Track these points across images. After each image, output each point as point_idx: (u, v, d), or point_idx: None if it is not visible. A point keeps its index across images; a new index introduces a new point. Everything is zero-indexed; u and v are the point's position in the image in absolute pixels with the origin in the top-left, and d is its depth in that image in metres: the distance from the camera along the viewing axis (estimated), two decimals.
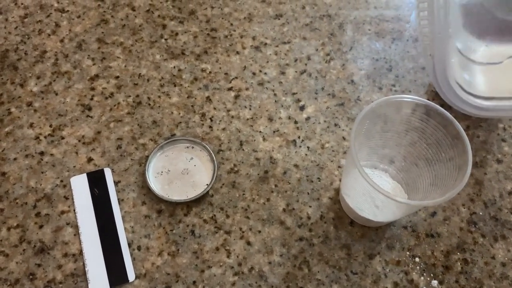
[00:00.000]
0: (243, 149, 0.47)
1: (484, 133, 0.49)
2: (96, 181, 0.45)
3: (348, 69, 0.52)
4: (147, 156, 0.46)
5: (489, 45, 0.35)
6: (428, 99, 0.37)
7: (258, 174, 0.46)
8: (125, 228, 0.43)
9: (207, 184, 0.45)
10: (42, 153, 0.46)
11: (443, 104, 0.37)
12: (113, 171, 0.45)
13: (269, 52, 0.53)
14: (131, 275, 0.41)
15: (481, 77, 0.35)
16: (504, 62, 0.35)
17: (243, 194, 0.45)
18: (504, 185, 0.46)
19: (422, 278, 0.42)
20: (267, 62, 0.53)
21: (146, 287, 0.40)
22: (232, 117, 0.49)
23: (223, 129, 0.48)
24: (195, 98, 0.50)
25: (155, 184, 0.45)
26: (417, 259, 0.42)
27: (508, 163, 0.47)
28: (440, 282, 0.41)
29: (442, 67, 0.32)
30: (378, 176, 0.45)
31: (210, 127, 0.48)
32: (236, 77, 0.51)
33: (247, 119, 0.49)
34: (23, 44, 0.52)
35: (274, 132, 0.48)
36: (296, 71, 0.52)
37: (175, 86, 0.50)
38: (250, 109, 0.49)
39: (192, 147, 0.47)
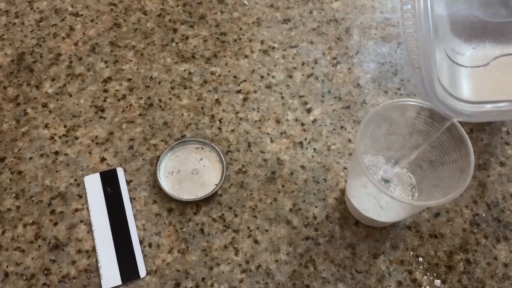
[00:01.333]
0: (251, 150, 0.48)
1: (488, 136, 0.50)
2: (109, 180, 0.46)
3: (354, 73, 0.54)
4: (158, 157, 0.47)
5: (476, 48, 0.36)
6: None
7: (266, 175, 0.47)
8: (136, 226, 0.44)
9: (216, 184, 0.46)
10: (56, 153, 0.47)
11: None
12: (125, 170, 0.47)
13: (277, 55, 0.55)
14: (142, 271, 0.42)
15: (470, 81, 0.36)
16: (491, 64, 0.36)
17: (251, 194, 0.46)
18: (507, 187, 0.47)
19: (425, 277, 0.43)
20: (275, 65, 0.54)
21: (156, 283, 0.42)
22: (241, 119, 0.50)
23: (232, 130, 0.49)
24: (205, 101, 0.51)
25: (166, 184, 0.46)
26: (420, 259, 0.43)
27: (511, 166, 0.48)
28: (443, 282, 0.42)
29: (430, 80, 0.33)
30: None
31: (219, 128, 0.49)
32: (245, 80, 0.53)
33: (255, 121, 0.50)
34: (39, 47, 0.54)
35: (281, 134, 0.49)
36: (303, 75, 0.53)
37: (185, 88, 0.52)
38: (258, 111, 0.51)
39: (202, 148, 0.48)
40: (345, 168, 0.48)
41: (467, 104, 0.36)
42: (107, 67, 0.53)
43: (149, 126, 0.49)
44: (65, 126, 0.49)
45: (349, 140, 0.49)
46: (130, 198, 0.45)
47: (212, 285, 0.42)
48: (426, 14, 0.31)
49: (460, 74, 0.36)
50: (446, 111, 0.35)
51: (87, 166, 0.47)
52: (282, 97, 0.52)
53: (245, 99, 0.51)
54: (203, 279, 0.42)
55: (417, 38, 0.32)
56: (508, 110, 0.35)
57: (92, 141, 0.48)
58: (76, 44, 0.54)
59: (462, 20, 0.35)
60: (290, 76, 0.53)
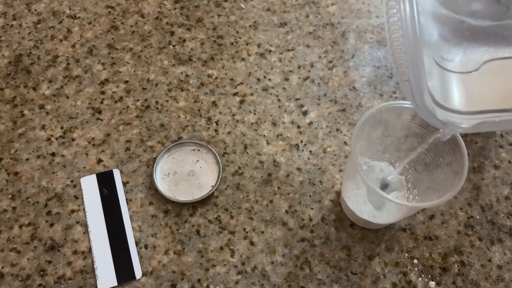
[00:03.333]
0: (247, 152, 0.49)
1: (482, 140, 0.50)
2: (105, 182, 0.46)
3: (350, 76, 0.54)
4: (155, 158, 0.47)
5: (465, 52, 0.35)
6: None
7: (262, 177, 0.47)
8: (132, 227, 0.44)
9: (212, 186, 0.46)
10: (53, 154, 0.48)
11: None
12: (121, 172, 0.47)
13: (273, 59, 0.55)
14: (138, 273, 0.42)
15: (461, 88, 0.36)
16: (481, 69, 0.35)
17: (247, 195, 0.46)
18: (501, 190, 0.47)
19: (420, 279, 0.43)
20: (272, 68, 0.54)
21: (152, 284, 0.42)
22: (237, 121, 0.50)
23: (228, 132, 0.50)
24: (202, 103, 0.51)
25: (162, 185, 0.46)
26: (415, 261, 0.44)
27: (505, 168, 0.49)
28: (438, 284, 0.43)
29: (421, 93, 0.33)
30: None
31: (216, 130, 0.50)
32: (241, 83, 0.53)
33: (252, 123, 0.50)
34: (36, 49, 0.54)
35: (277, 136, 0.50)
36: (299, 78, 0.54)
37: (182, 91, 0.52)
38: (254, 113, 0.51)
39: (198, 150, 0.48)
40: (340, 171, 0.48)
41: (459, 116, 0.35)
42: (104, 69, 0.53)
43: (146, 128, 0.50)
44: (62, 128, 0.49)
45: (345, 143, 0.50)
46: (126, 199, 0.45)
47: (207, 286, 0.42)
48: (414, 26, 0.30)
49: (451, 82, 0.36)
50: (438, 124, 0.35)
51: (84, 167, 0.47)
52: (279, 100, 0.52)
53: (241, 102, 0.52)
54: (198, 280, 0.42)
55: (405, 51, 0.32)
56: (501, 121, 0.35)
57: (89, 142, 0.48)
58: (73, 46, 0.55)
59: (450, 24, 0.35)
60: (287, 79, 0.54)
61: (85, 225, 0.44)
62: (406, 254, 0.44)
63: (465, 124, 0.34)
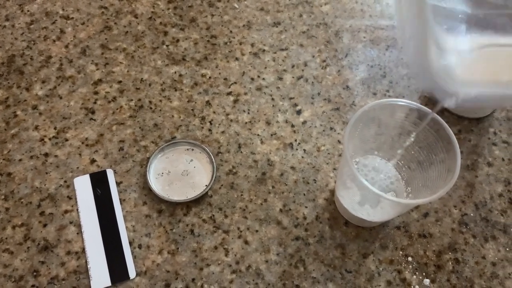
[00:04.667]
0: (241, 152, 0.49)
1: (476, 137, 0.50)
2: (99, 182, 0.46)
3: (343, 75, 0.54)
4: (148, 158, 0.47)
5: (460, 38, 0.35)
6: (421, 104, 0.38)
7: (256, 176, 0.47)
8: (126, 227, 0.44)
9: (206, 185, 0.46)
10: (46, 155, 0.47)
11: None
12: (115, 172, 0.47)
13: (267, 58, 0.55)
14: (132, 273, 0.42)
15: (456, 71, 0.35)
16: (476, 54, 0.35)
17: (241, 195, 0.46)
18: (495, 187, 0.48)
19: (414, 277, 0.43)
20: (265, 68, 0.54)
21: (146, 284, 0.41)
22: (231, 120, 0.50)
23: (222, 132, 0.50)
24: (195, 102, 0.51)
25: (156, 185, 0.46)
26: (409, 259, 0.44)
27: (498, 166, 0.49)
28: (432, 281, 0.43)
29: (425, 48, 0.32)
30: None
31: (210, 130, 0.50)
32: (235, 82, 0.53)
33: (246, 122, 0.50)
34: (29, 49, 0.54)
35: (271, 135, 0.50)
36: (293, 77, 0.54)
37: (176, 90, 0.52)
38: (248, 113, 0.51)
39: (192, 149, 0.48)
40: (334, 169, 0.48)
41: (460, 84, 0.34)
42: (97, 69, 0.53)
43: (140, 127, 0.49)
44: (55, 128, 0.49)
45: (339, 141, 0.50)
46: (120, 199, 0.45)
47: (202, 286, 0.42)
48: None
49: (447, 64, 0.35)
50: (438, 90, 0.34)
51: (77, 167, 0.47)
52: (272, 99, 0.52)
53: (235, 101, 0.52)
54: (193, 280, 0.42)
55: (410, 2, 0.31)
56: (504, 95, 0.34)
57: (82, 142, 0.48)
58: (66, 46, 0.54)
59: (446, 12, 0.35)
60: (280, 78, 0.54)
61: (78, 226, 0.44)
62: (401, 252, 0.44)
63: (465, 92, 0.33)
